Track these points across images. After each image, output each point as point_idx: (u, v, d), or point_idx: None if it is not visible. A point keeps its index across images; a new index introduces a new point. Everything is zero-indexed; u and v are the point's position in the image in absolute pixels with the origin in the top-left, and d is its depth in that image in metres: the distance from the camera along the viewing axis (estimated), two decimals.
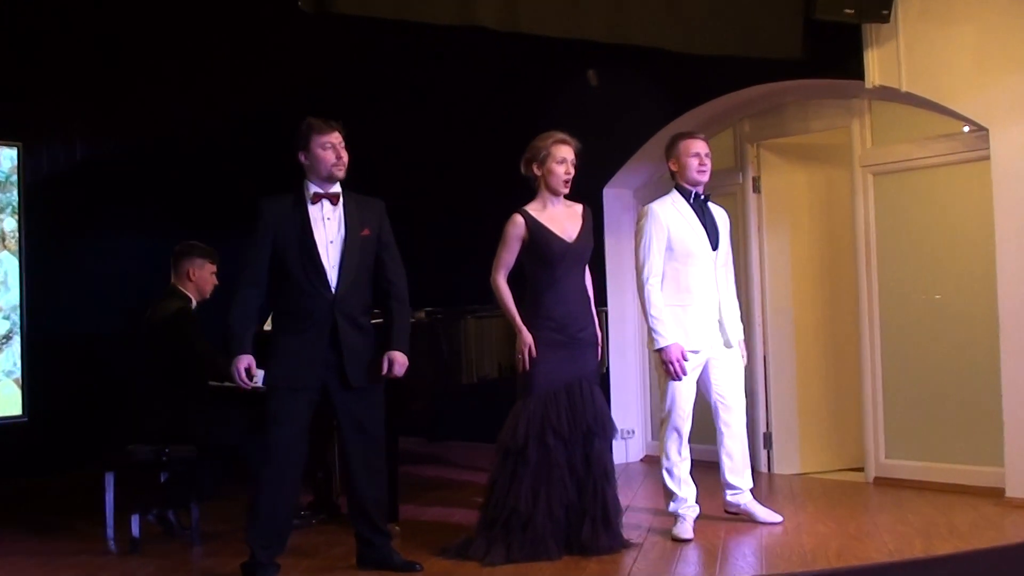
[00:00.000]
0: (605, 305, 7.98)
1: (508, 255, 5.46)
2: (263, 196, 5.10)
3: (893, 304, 7.12)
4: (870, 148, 7.21)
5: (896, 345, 7.11)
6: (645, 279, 5.77)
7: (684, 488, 5.83)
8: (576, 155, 5.49)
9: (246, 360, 4.97)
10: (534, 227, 5.42)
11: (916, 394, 7.01)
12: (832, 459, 7.68)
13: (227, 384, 5.63)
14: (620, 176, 8.48)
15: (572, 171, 5.46)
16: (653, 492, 7.17)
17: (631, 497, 6.99)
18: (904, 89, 6.67)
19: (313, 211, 5.06)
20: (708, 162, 5.86)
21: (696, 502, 5.87)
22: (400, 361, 5.20)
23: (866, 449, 7.21)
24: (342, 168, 5.11)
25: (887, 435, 7.11)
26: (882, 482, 7.07)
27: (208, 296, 6.40)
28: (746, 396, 6.13)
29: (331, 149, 5.07)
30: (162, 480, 6.27)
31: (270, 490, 5.02)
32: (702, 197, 5.88)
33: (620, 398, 8.36)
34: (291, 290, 5.04)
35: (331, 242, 5.06)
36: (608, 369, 7.92)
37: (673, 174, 5.91)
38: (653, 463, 8.27)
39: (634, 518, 6.27)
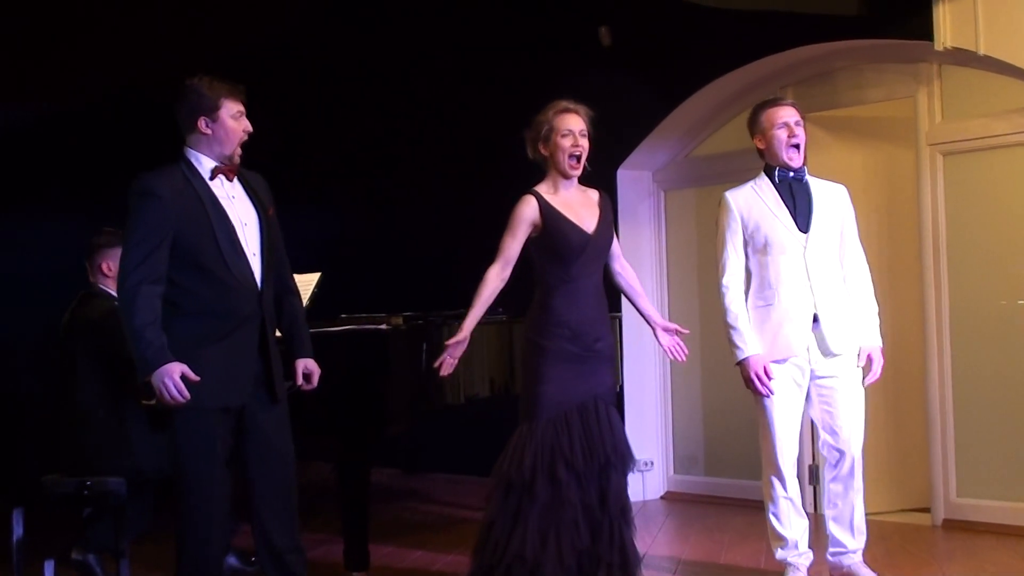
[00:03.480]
0: (619, 311, 7.98)
1: (514, 244, 5.41)
2: (144, 173, 4.96)
3: (967, 311, 7.11)
4: (939, 123, 7.22)
5: (970, 361, 7.09)
6: (720, 281, 5.78)
7: (791, 528, 5.73)
8: (591, 125, 5.46)
9: (179, 367, 4.78)
10: (548, 213, 5.38)
11: (994, 420, 6.98)
12: (892, 498, 7.66)
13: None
14: (637, 155, 8.50)
15: (582, 144, 5.42)
16: (675, 535, 7.34)
17: (650, 542, 7.02)
18: (982, 52, 6.66)
19: (215, 188, 5.00)
20: (800, 132, 5.73)
21: (810, 547, 5.78)
22: (316, 370, 5.23)
23: (933, 486, 7.21)
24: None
25: (959, 469, 7.10)
26: (952, 525, 7.08)
27: None
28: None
29: (242, 118, 5.03)
30: (84, 518, 6.20)
31: (199, 533, 4.96)
32: (789, 175, 5.74)
33: (636, 423, 8.35)
34: (208, 286, 4.92)
35: (245, 224, 5.02)
36: (622, 387, 7.99)
37: (760, 153, 5.85)
38: (675, 501, 8.44)
39: (654, 567, 6.28)
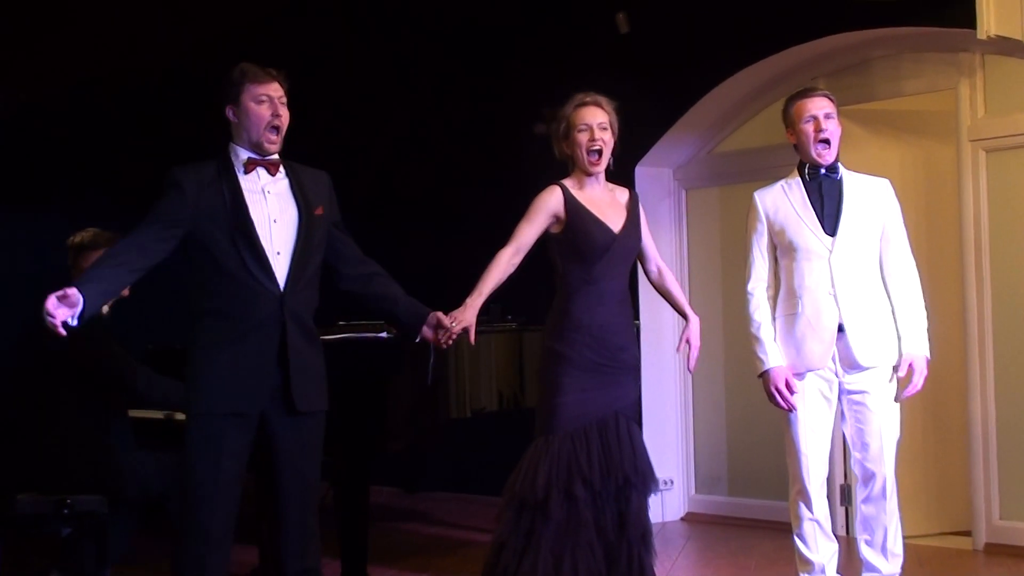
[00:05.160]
0: (637, 318, 7.95)
1: (529, 230, 5.41)
2: (175, 165, 4.99)
3: (1011, 319, 7.09)
4: (982, 117, 7.21)
5: (1015, 372, 7.07)
6: (745, 287, 5.74)
7: (818, 552, 5.66)
8: (614, 115, 5.46)
9: (70, 291, 4.55)
10: (573, 207, 5.39)
11: None
12: (931, 520, 7.64)
13: (154, 415, 5.50)
14: (656, 151, 8.49)
15: (600, 138, 5.40)
16: (697, 560, 7.37)
17: (669, 567, 7.00)
18: None
19: (246, 182, 5.01)
20: (830, 125, 5.59)
21: (839, 572, 5.72)
22: (445, 324, 5.32)
23: (974, 508, 7.21)
24: (276, 135, 5.02)
25: (1002, 489, 7.09)
26: (995, 550, 7.06)
27: (126, 294, 6.28)
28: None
29: (267, 103, 5.00)
30: (62, 539, 6.14)
31: (197, 552, 4.92)
32: (820, 172, 5.63)
33: (655, 438, 8.15)
34: (223, 285, 4.94)
35: (275, 221, 5.00)
36: (640, 400, 7.88)
37: (795, 148, 5.75)
38: (697, 522, 8.43)
39: None
